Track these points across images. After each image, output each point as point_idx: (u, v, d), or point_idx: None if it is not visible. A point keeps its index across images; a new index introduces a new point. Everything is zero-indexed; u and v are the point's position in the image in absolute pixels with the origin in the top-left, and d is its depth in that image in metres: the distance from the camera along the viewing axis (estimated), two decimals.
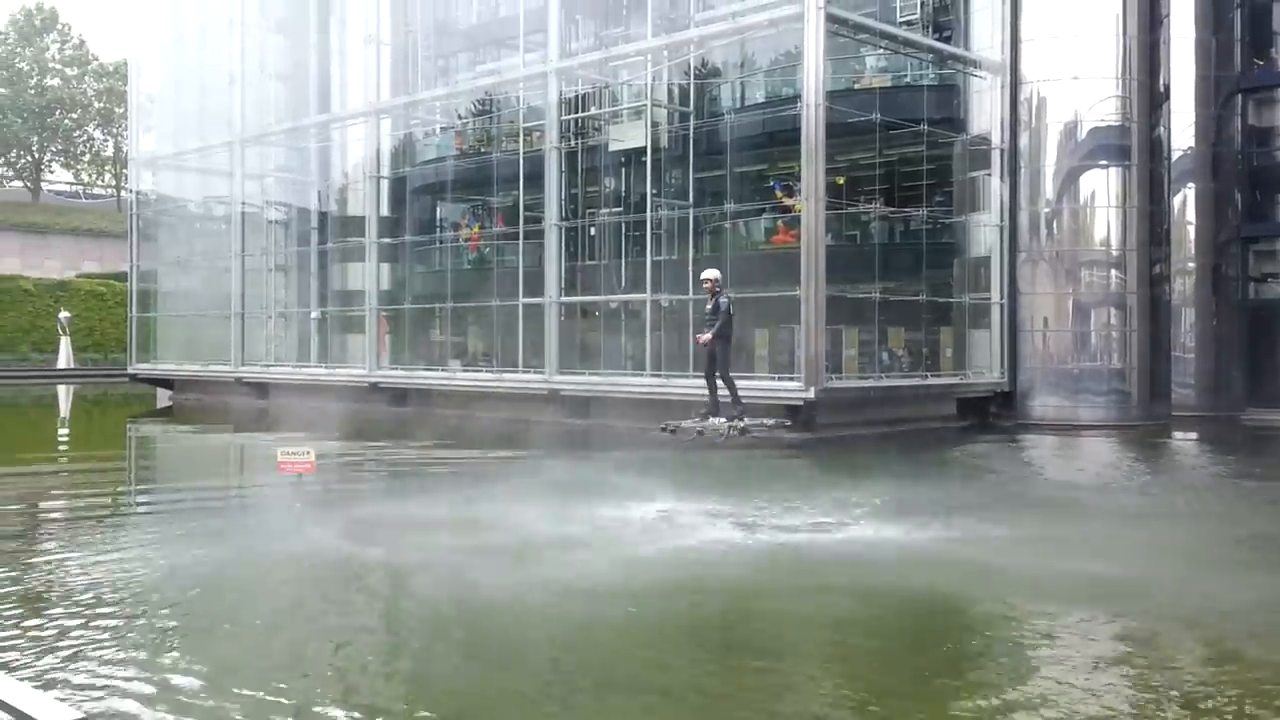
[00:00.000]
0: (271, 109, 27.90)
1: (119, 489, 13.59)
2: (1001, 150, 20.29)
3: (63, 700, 4.76)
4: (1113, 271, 20.20)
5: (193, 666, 5.56)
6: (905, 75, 20.80)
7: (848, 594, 7.29)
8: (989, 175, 20.45)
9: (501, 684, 5.49)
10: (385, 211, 25.15)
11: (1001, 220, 20.32)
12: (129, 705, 5.00)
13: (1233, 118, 23.23)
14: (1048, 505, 11.37)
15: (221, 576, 7.74)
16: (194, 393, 28.77)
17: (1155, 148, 20.64)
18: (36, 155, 59.45)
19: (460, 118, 25.19)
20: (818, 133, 16.77)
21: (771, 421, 14.50)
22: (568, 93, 21.16)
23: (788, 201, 19.58)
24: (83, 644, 5.92)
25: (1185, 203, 23.10)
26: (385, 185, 25.16)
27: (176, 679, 5.36)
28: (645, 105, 19.67)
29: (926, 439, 17.41)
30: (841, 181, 19.70)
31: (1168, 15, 21.11)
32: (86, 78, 59.40)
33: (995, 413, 20.10)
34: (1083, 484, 13.58)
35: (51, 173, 62.15)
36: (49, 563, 8.11)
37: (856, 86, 20.27)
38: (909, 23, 20.33)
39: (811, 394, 16.58)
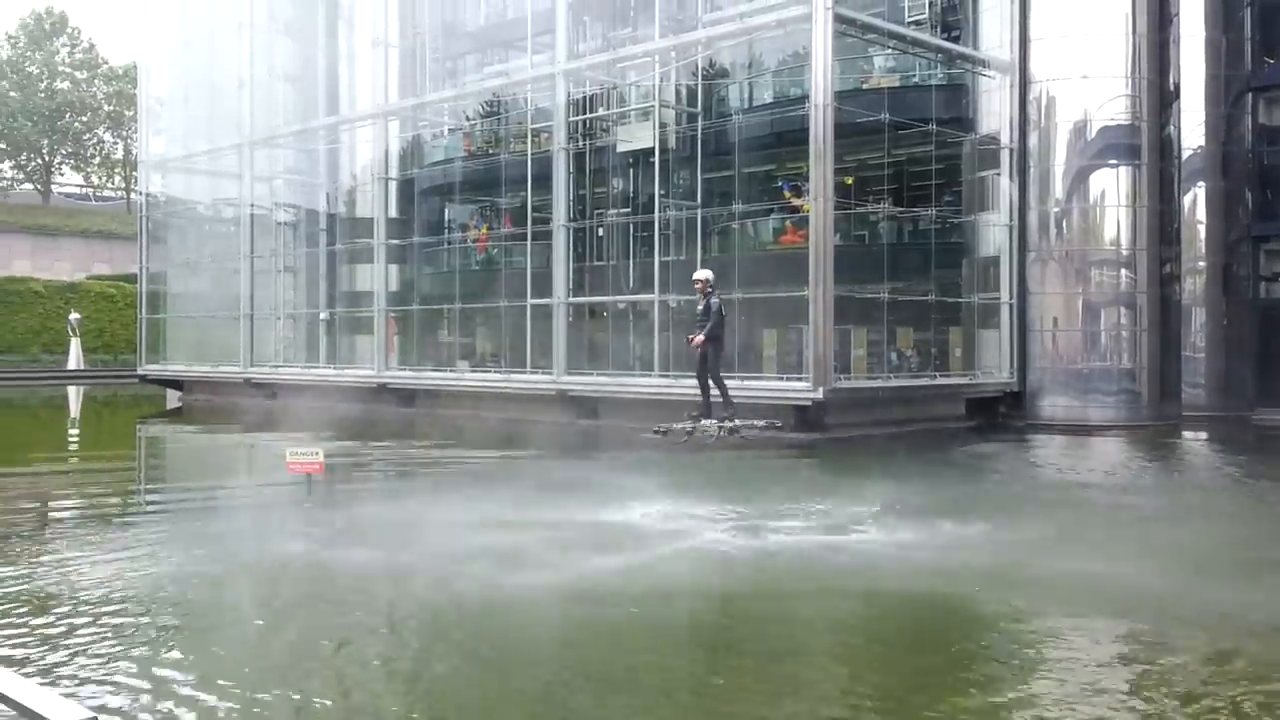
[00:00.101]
0: (280, 111, 27.97)
1: (128, 489, 13.65)
2: (1011, 150, 20.23)
3: (68, 696, 4.78)
4: (1123, 271, 20.11)
5: (196, 665, 5.59)
6: (914, 75, 20.74)
7: (851, 595, 7.28)
8: (998, 175, 20.38)
9: (501, 684, 5.50)
10: (394, 213, 25.19)
11: (1011, 220, 20.26)
12: (136, 702, 5.03)
13: (1243, 116, 23.13)
14: (1056, 506, 11.31)
15: (228, 576, 7.79)
16: (203, 394, 28.88)
17: (1165, 147, 20.54)
18: (47, 158, 59.69)
19: (468, 119, 25.21)
20: (826, 133, 16.73)
21: (763, 423, 14.40)
22: (575, 94, 21.16)
23: (796, 202, 19.56)
24: (90, 641, 5.95)
25: (1195, 202, 23.02)
26: (394, 187, 25.18)
27: (180, 677, 5.39)
28: (653, 106, 19.66)
29: (936, 439, 17.36)
30: (850, 181, 19.66)
31: (1177, 14, 21.02)
32: (96, 81, 59.62)
33: (1004, 413, 20.02)
34: (1092, 484, 13.49)
35: (62, 175, 62.51)
36: (59, 561, 8.14)
37: (865, 86, 20.22)
38: (917, 22, 20.26)
39: (820, 394, 16.55)
